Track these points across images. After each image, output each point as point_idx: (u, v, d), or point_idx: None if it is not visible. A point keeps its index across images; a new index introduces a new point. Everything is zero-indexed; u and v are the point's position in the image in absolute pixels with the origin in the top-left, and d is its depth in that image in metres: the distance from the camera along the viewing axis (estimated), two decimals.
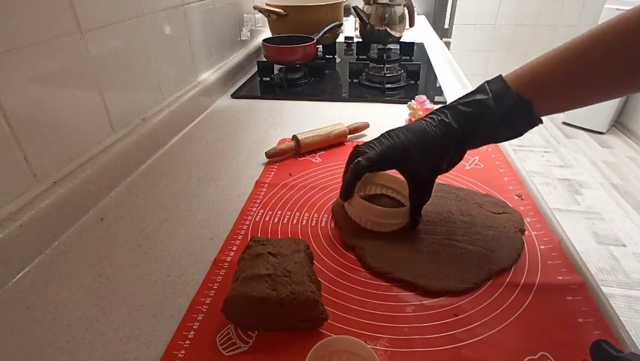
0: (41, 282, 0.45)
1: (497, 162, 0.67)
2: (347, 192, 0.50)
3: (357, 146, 0.50)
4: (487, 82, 0.46)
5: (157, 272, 0.47)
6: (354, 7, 1.21)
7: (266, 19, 1.20)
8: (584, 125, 2.84)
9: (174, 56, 0.81)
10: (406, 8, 1.21)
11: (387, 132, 0.49)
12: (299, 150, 0.71)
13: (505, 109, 0.44)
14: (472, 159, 0.68)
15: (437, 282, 0.43)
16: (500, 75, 0.46)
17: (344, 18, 1.37)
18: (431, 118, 0.47)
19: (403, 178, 0.50)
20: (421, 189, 0.49)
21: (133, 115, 0.70)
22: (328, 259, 0.48)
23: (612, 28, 0.40)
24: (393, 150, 0.47)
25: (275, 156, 0.70)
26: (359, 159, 0.48)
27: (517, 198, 0.58)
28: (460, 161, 0.48)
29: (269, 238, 0.44)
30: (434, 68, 1.18)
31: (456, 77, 1.11)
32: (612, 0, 2.53)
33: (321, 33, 1.12)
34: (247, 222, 0.54)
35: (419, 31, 1.65)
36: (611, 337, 0.37)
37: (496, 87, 0.45)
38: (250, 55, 1.21)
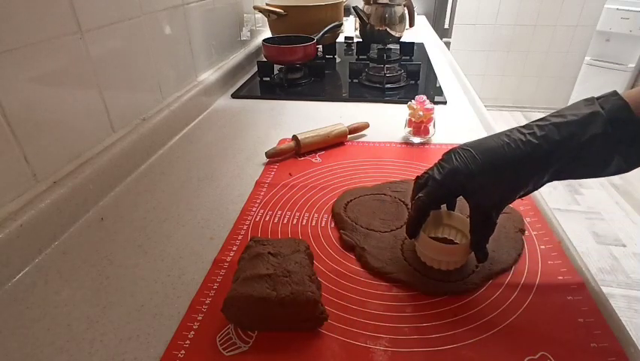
0: (41, 282, 0.45)
1: None
2: (412, 230, 0.44)
3: (418, 177, 0.43)
4: (597, 98, 0.37)
5: (157, 272, 0.47)
6: (354, 7, 1.21)
7: (266, 19, 1.20)
8: None
9: (174, 56, 0.81)
10: (406, 8, 1.21)
11: (453, 151, 0.41)
12: (299, 150, 0.71)
13: (623, 134, 0.34)
14: None
15: (437, 282, 0.43)
16: (615, 91, 0.36)
17: (344, 18, 1.37)
18: (513, 135, 0.38)
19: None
20: (486, 220, 0.40)
21: (133, 115, 0.70)
22: (328, 259, 0.48)
23: None
24: (454, 175, 0.39)
25: (275, 156, 0.70)
26: (419, 194, 0.42)
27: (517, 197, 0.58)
28: (542, 187, 0.40)
29: (269, 238, 0.44)
30: (434, 68, 1.18)
31: (456, 77, 1.11)
32: (612, 0, 2.53)
33: (321, 33, 1.12)
34: (247, 222, 0.54)
35: (419, 31, 1.65)
36: (611, 337, 0.37)
37: (612, 106, 0.35)
38: (250, 55, 1.21)
